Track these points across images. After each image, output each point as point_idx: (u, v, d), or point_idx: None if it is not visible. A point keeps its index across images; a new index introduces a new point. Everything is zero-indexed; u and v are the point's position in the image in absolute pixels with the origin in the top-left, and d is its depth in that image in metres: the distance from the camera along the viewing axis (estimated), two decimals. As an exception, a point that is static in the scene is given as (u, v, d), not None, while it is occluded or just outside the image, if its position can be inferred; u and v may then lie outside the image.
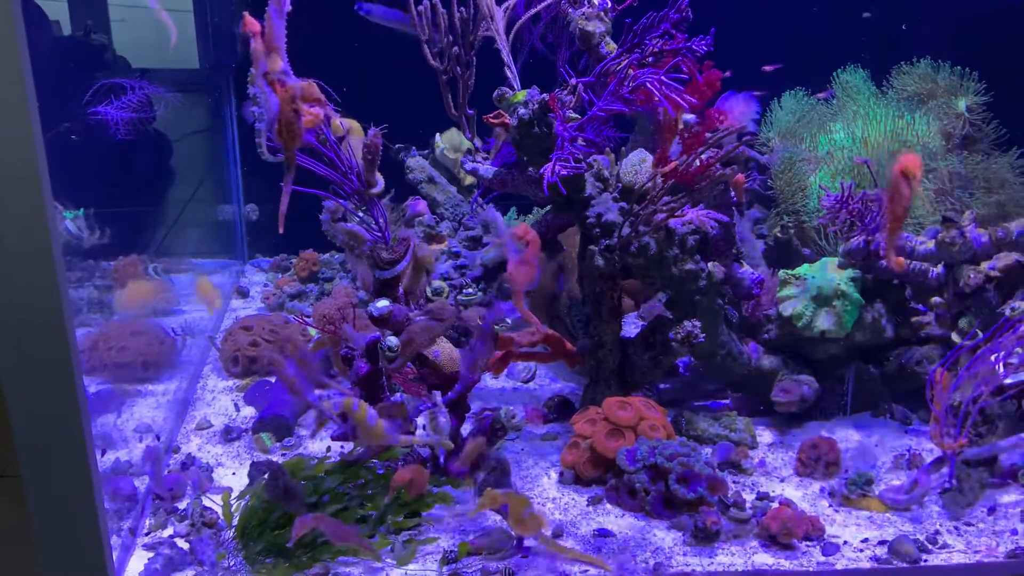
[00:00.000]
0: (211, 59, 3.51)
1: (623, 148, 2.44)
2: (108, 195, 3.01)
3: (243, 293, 3.52)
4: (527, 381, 2.69)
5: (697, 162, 2.00)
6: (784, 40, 3.17)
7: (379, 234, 2.01)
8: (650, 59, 2.05)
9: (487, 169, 2.35)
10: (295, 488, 1.78)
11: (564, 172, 1.99)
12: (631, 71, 1.96)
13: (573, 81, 2.08)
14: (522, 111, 2.09)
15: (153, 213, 3.36)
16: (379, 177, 2.02)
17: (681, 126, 2.07)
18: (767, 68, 2.97)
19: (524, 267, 1.89)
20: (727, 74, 2.17)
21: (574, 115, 2.08)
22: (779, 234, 2.60)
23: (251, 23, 1.52)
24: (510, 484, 2.05)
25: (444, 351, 2.01)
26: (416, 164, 3.44)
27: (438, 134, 3.51)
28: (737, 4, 2.96)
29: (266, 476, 1.81)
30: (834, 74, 3.09)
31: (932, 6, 3.30)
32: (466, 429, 2.17)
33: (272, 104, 1.53)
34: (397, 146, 3.49)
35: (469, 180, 3.48)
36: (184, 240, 3.56)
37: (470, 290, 2.26)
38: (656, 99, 1.92)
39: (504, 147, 2.38)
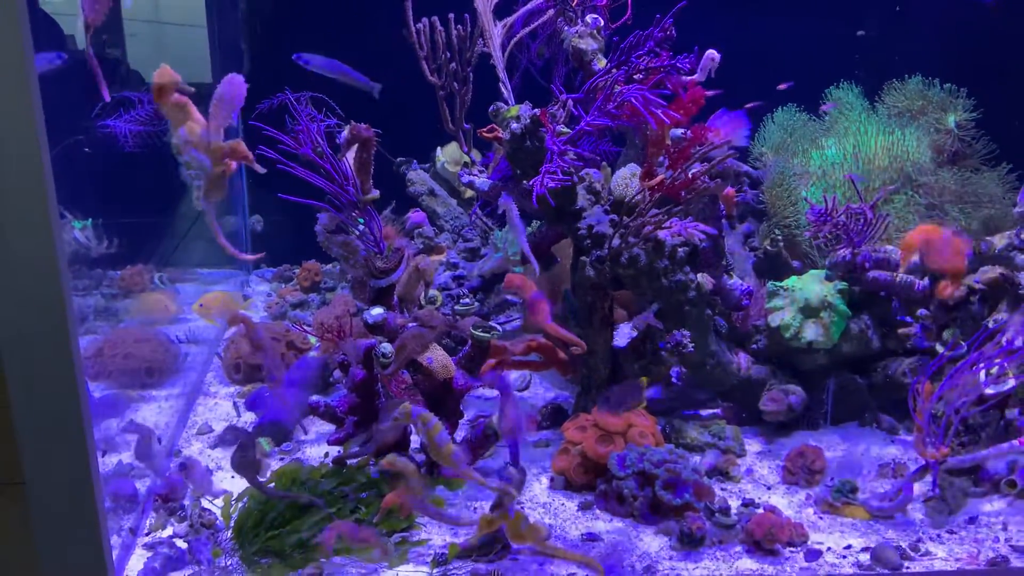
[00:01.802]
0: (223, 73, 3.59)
1: (618, 162, 2.49)
2: (117, 206, 3.08)
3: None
4: (522, 390, 2.74)
5: (683, 176, 2.06)
6: (779, 57, 3.22)
7: (374, 243, 2.07)
8: (639, 76, 2.11)
9: (483, 182, 2.40)
10: (259, 463, 1.82)
11: (552, 184, 2.04)
12: (617, 87, 2.02)
13: (563, 97, 2.14)
14: (514, 125, 2.15)
15: (162, 224, 3.43)
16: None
17: (668, 141, 2.13)
18: (781, 87, 3.03)
19: (539, 307, 2.09)
20: (714, 93, 2.23)
21: (565, 129, 2.14)
22: (769, 247, 2.65)
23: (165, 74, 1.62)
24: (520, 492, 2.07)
25: (438, 358, 2.06)
26: (417, 177, 3.50)
27: (439, 148, 3.58)
28: (732, 23, 3.02)
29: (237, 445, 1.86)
30: (827, 91, 3.15)
31: (925, 24, 3.35)
32: (458, 436, 2.23)
33: (206, 164, 1.70)
34: (399, 159, 3.56)
35: (469, 193, 3.54)
36: (190, 250, 3.63)
37: (467, 300, 2.31)
38: (641, 114, 1.98)
39: (502, 161, 2.43)
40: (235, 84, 1.69)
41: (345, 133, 2.08)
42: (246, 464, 1.81)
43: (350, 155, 2.05)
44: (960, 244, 2.18)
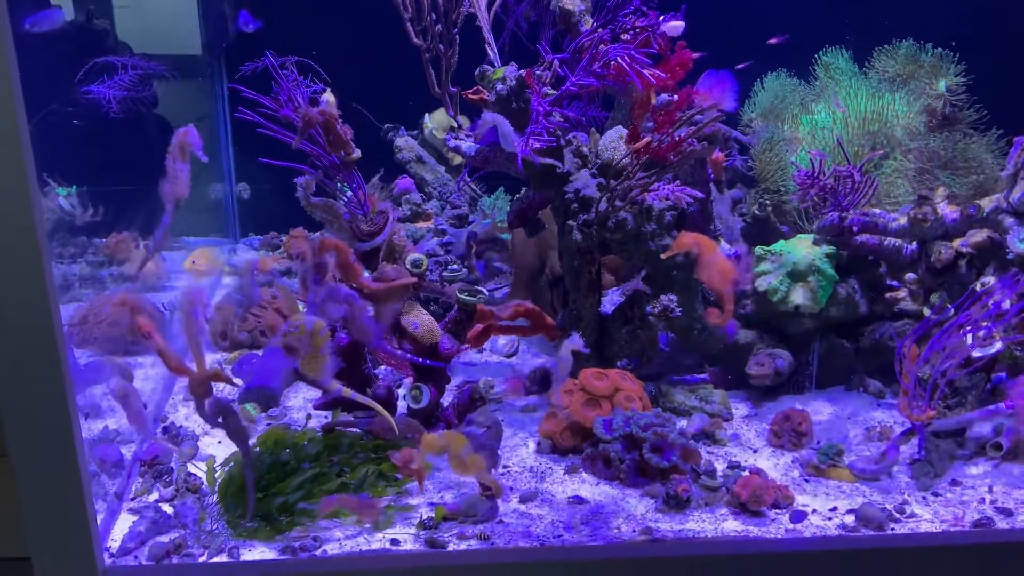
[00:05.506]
0: (210, 43, 3.57)
1: (606, 125, 2.47)
2: (104, 174, 3.06)
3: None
4: (510, 355, 2.74)
5: (669, 138, 2.04)
6: (768, 21, 3.19)
7: (358, 206, 2.05)
8: (626, 36, 2.09)
9: (470, 146, 2.38)
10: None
11: (538, 146, 2.02)
12: (603, 46, 1.99)
13: (549, 57, 2.11)
14: (500, 87, 2.13)
15: (147, 191, 3.40)
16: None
17: (653, 102, 2.10)
18: (773, 40, 2.99)
19: (354, 267, 1.99)
20: (700, 55, 2.19)
21: (551, 91, 2.12)
22: (757, 211, 2.64)
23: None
24: (498, 444, 2.10)
25: (423, 323, 2.05)
26: (405, 144, 3.47)
27: (427, 114, 3.54)
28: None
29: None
30: (817, 55, 3.12)
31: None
32: (445, 401, 2.23)
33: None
34: (386, 126, 3.53)
35: (458, 160, 3.52)
36: (177, 218, 3.60)
37: (455, 267, 2.30)
38: (627, 74, 1.95)
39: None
40: None
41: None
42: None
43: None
44: (728, 269, 2.08)
